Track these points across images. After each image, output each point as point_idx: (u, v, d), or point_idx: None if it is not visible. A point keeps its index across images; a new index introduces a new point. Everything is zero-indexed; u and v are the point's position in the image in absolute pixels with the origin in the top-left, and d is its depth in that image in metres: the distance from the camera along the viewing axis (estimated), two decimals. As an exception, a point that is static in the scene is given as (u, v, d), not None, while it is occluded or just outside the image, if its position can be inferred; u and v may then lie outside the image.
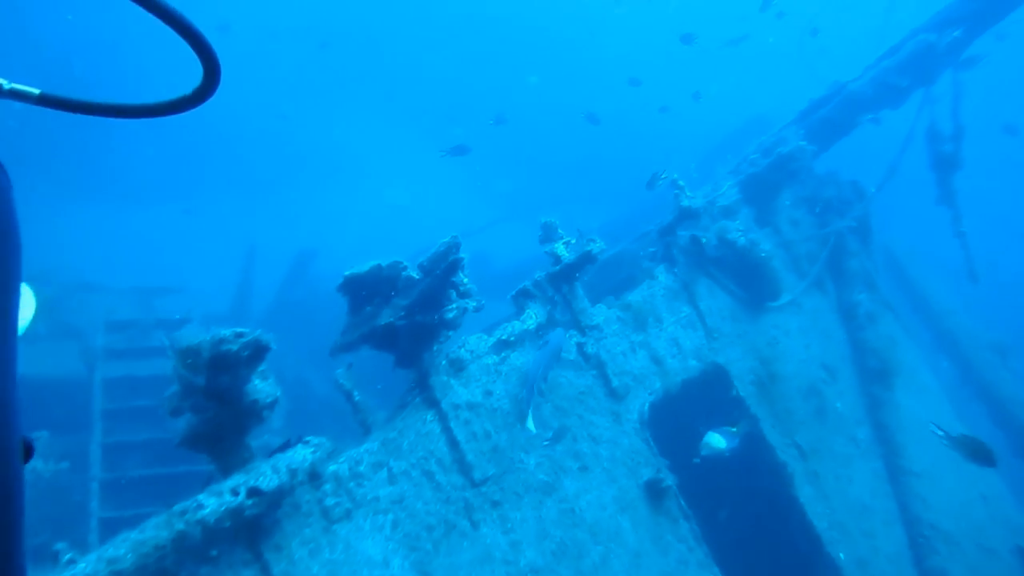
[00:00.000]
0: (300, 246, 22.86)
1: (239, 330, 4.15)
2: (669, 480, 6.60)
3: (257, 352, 4.13)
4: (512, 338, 6.29)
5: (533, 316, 6.55)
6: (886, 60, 9.59)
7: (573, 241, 6.87)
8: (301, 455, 4.51)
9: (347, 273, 5.55)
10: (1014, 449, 11.49)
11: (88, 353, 12.53)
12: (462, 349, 5.97)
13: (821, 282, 9.54)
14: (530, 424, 5.80)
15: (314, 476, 4.62)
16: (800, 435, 8.00)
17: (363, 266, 5.58)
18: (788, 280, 9.13)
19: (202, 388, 4.13)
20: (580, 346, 6.74)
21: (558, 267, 6.73)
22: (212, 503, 3.97)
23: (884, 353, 9.18)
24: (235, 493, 4.07)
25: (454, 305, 5.43)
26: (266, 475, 4.24)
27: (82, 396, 11.93)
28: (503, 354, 6.21)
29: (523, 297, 6.74)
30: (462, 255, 5.32)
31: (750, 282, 8.36)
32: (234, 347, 4.08)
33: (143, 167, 29.18)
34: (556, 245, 6.79)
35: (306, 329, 18.97)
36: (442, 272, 5.28)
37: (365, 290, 5.60)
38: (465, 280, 5.42)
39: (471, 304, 5.52)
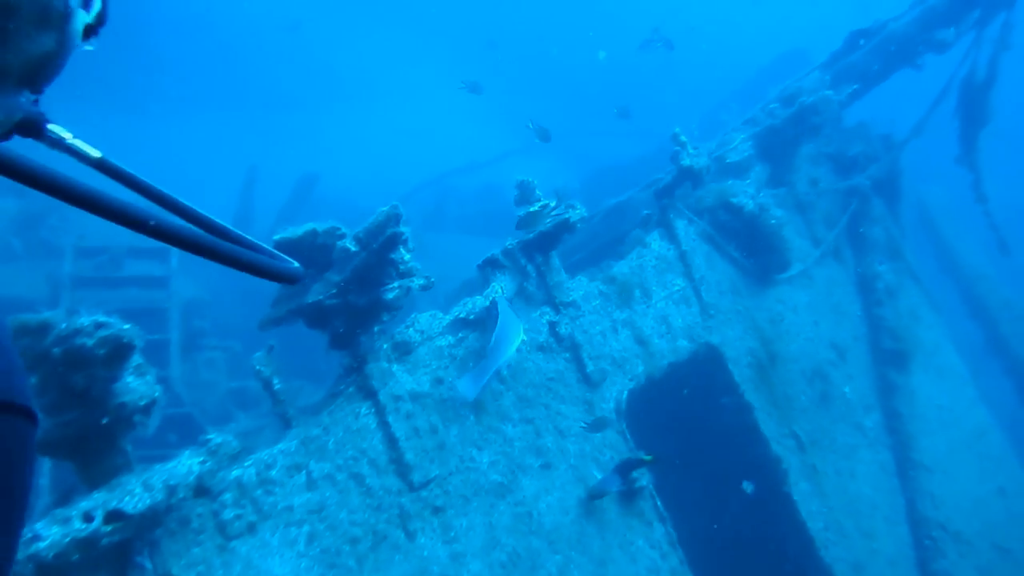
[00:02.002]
0: (304, 168, 21.97)
1: (100, 319, 3.36)
2: (644, 479, 5.87)
3: (117, 352, 3.36)
4: (472, 316, 5.48)
5: (499, 290, 5.72)
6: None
7: (552, 204, 5.97)
8: (185, 467, 3.77)
9: (276, 237, 4.75)
10: None
11: (54, 279, 11.86)
12: (411, 329, 5.18)
13: (839, 250, 8.60)
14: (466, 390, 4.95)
15: (202, 492, 3.90)
16: (800, 424, 7.22)
17: (297, 229, 4.79)
18: (802, 248, 8.20)
19: (55, 384, 3.38)
20: (552, 325, 5.92)
21: (532, 234, 5.85)
22: (54, 533, 3.25)
23: (902, 332, 8.30)
24: (88, 519, 3.36)
25: (395, 284, 4.61)
26: (134, 494, 3.52)
27: (48, 326, 11.32)
28: (460, 335, 5.41)
29: (490, 267, 5.89)
30: (403, 229, 4.47)
31: (756, 251, 7.46)
32: (90, 342, 3.31)
33: (143, 75, 27.92)
34: (532, 209, 5.90)
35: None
36: (378, 248, 4.44)
37: (299, 257, 4.78)
38: (407, 257, 4.58)
39: (415, 283, 4.70)
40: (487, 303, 5.58)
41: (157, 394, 3.66)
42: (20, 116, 1.26)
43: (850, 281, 8.58)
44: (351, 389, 4.78)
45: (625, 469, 5.53)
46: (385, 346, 4.96)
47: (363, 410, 4.76)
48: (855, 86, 8.27)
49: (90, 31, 1.56)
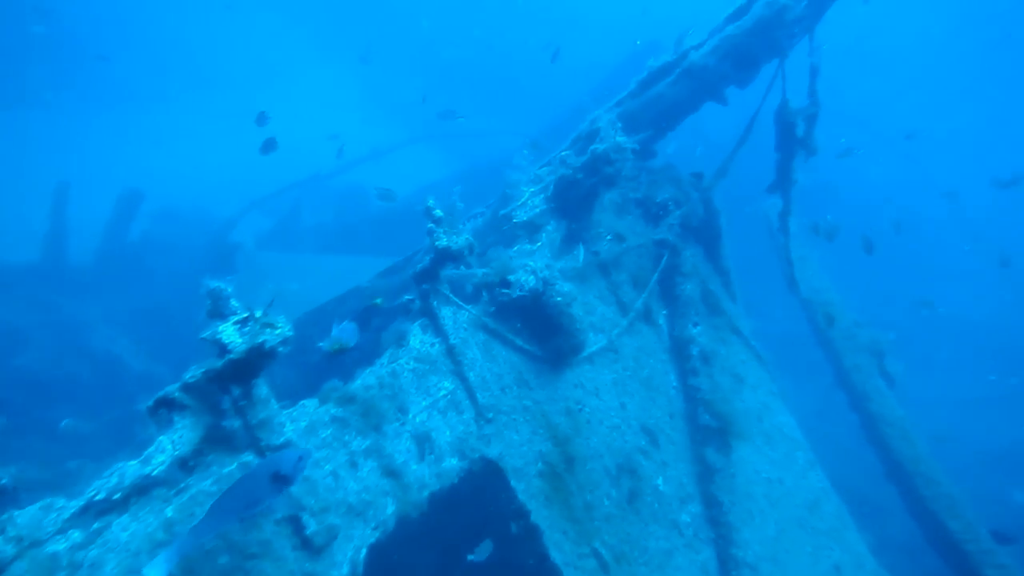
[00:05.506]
0: (127, 182, 19.13)
1: None
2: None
3: None
4: (117, 495, 3.94)
5: (169, 446, 4.20)
6: (731, 24, 7.43)
7: (258, 315, 4.50)
8: None
9: None
10: (885, 471, 9.99)
11: None
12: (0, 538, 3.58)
13: (649, 313, 7.54)
14: None
15: None
16: (603, 537, 6.06)
17: None
18: (605, 317, 7.09)
19: None
20: (255, 480, 4.45)
21: (221, 363, 4.35)
22: None
23: (719, 405, 7.32)
24: None
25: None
26: None
27: None
28: (97, 525, 3.86)
29: (165, 409, 4.36)
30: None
31: (546, 333, 6.25)
32: None
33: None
34: (224, 327, 4.40)
35: (139, 282, 15.53)
36: None
37: None
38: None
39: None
40: (145, 469, 4.06)
41: None
42: None
43: (664, 348, 7.55)
44: None
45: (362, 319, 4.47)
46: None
47: None
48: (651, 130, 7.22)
49: None
